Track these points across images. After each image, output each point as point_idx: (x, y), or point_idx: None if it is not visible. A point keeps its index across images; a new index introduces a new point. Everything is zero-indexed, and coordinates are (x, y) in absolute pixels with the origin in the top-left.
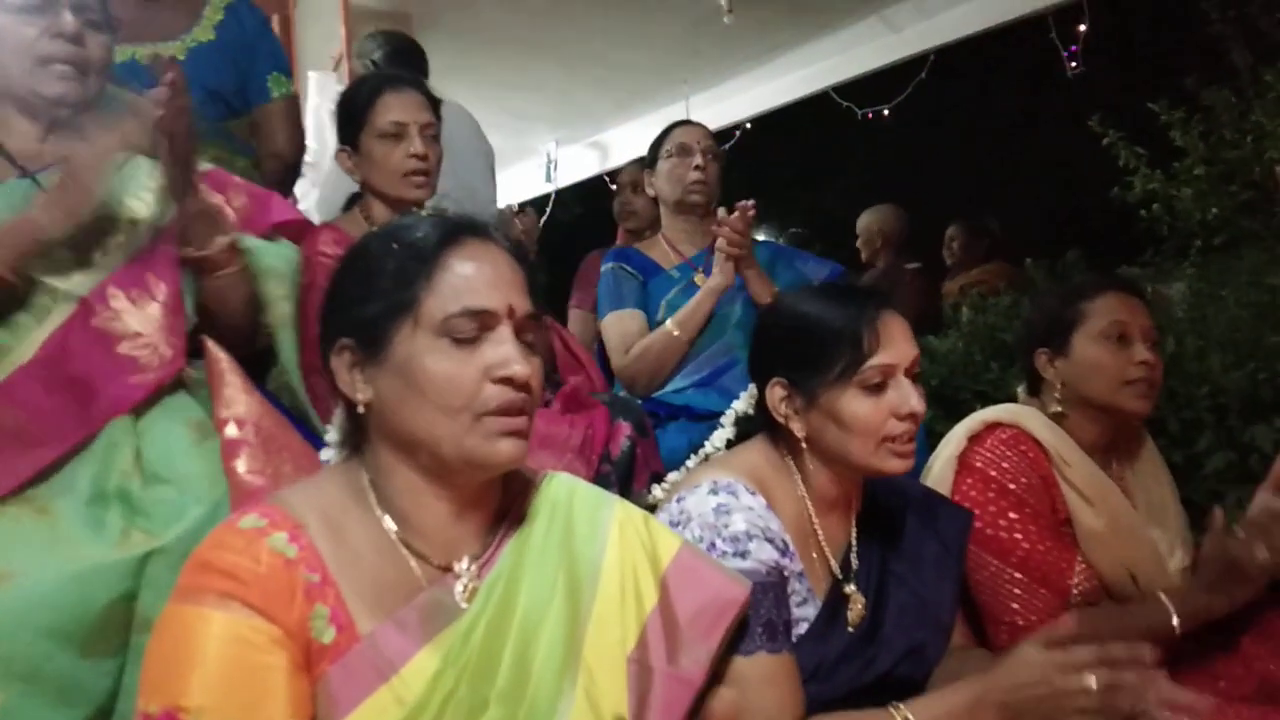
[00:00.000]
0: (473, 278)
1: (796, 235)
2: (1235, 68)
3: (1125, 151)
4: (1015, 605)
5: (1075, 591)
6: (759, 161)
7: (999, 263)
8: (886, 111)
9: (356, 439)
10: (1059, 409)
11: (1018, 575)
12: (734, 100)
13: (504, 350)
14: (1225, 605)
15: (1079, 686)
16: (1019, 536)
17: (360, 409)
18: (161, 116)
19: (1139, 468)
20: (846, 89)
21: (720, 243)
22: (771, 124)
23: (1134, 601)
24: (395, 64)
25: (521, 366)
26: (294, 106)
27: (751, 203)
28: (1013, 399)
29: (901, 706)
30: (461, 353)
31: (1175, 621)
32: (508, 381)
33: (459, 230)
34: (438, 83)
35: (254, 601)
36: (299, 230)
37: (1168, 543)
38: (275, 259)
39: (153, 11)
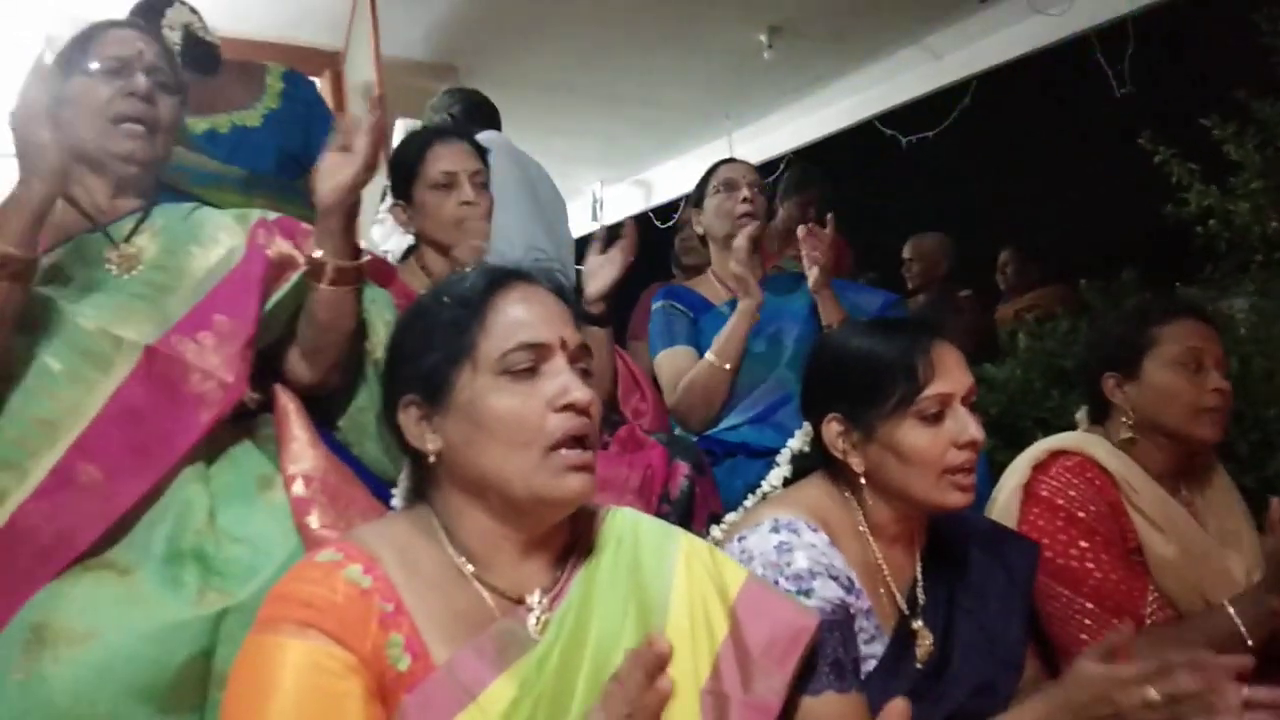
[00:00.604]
0: (523, 316)
1: (871, 280)
2: None
3: (1178, 168)
4: (1086, 637)
5: (1149, 621)
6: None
7: (1053, 286)
8: (931, 137)
9: (422, 488)
10: (1129, 435)
11: (1089, 605)
12: (777, 134)
13: (562, 379)
14: None
15: (1142, 700)
16: (1090, 565)
17: (431, 459)
18: (373, 131)
19: (1209, 494)
20: (890, 117)
21: (738, 267)
22: (815, 156)
23: (1197, 618)
24: (471, 119)
25: (581, 392)
26: None
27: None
28: (1074, 426)
29: None
30: (522, 387)
31: (1243, 628)
32: (570, 408)
33: (504, 275)
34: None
35: (330, 630)
36: (383, 272)
37: (1244, 569)
38: (377, 292)
39: (219, 86)
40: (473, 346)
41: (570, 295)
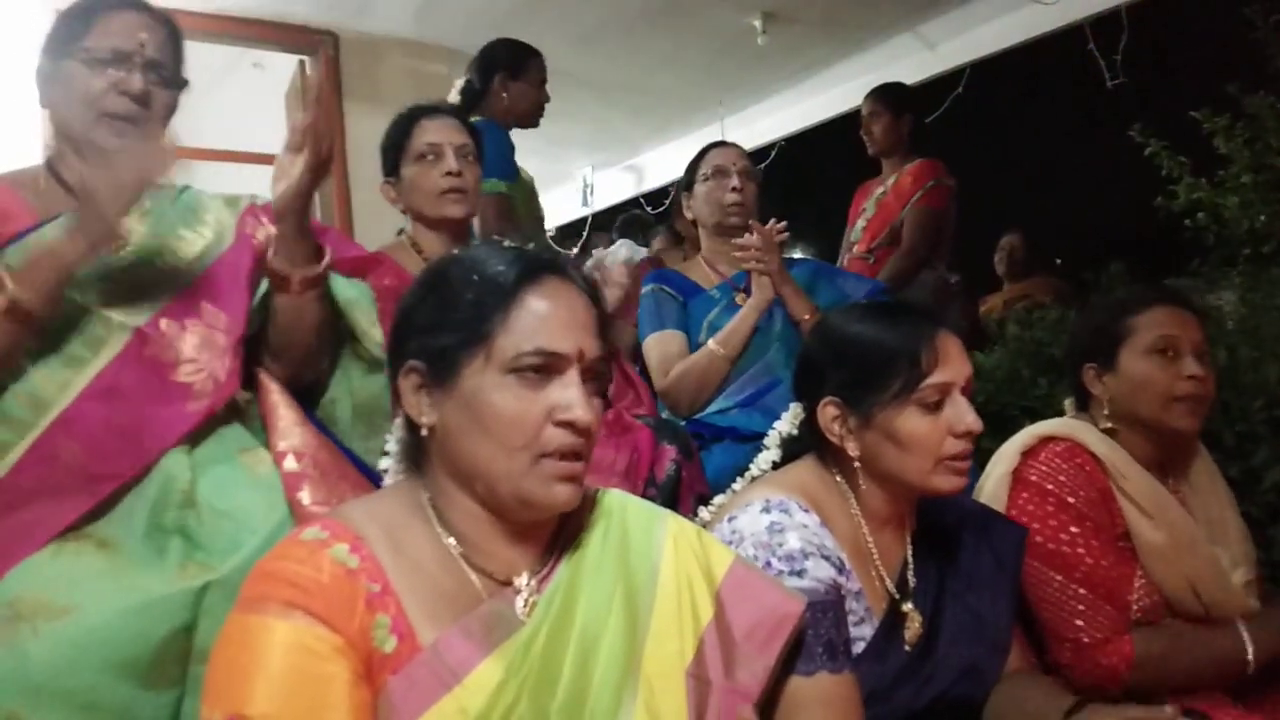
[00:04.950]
0: (548, 318)
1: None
2: (1278, 73)
3: (1168, 160)
4: (1080, 622)
5: (1136, 607)
6: (795, 180)
7: (1043, 276)
8: (926, 123)
9: (416, 457)
10: (1108, 425)
11: (1082, 591)
12: (769, 120)
13: (570, 394)
14: None
15: None
16: (1082, 551)
17: (424, 431)
18: (315, 132)
19: (1196, 483)
20: None
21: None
22: (807, 142)
23: (1197, 619)
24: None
25: (584, 412)
26: (503, 201)
27: (779, 224)
28: (1062, 415)
29: None
30: (528, 392)
31: (1250, 655)
32: (569, 425)
33: (539, 267)
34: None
35: (316, 610)
36: (364, 263)
37: (1230, 558)
38: (353, 290)
39: None
40: (489, 337)
41: (600, 298)
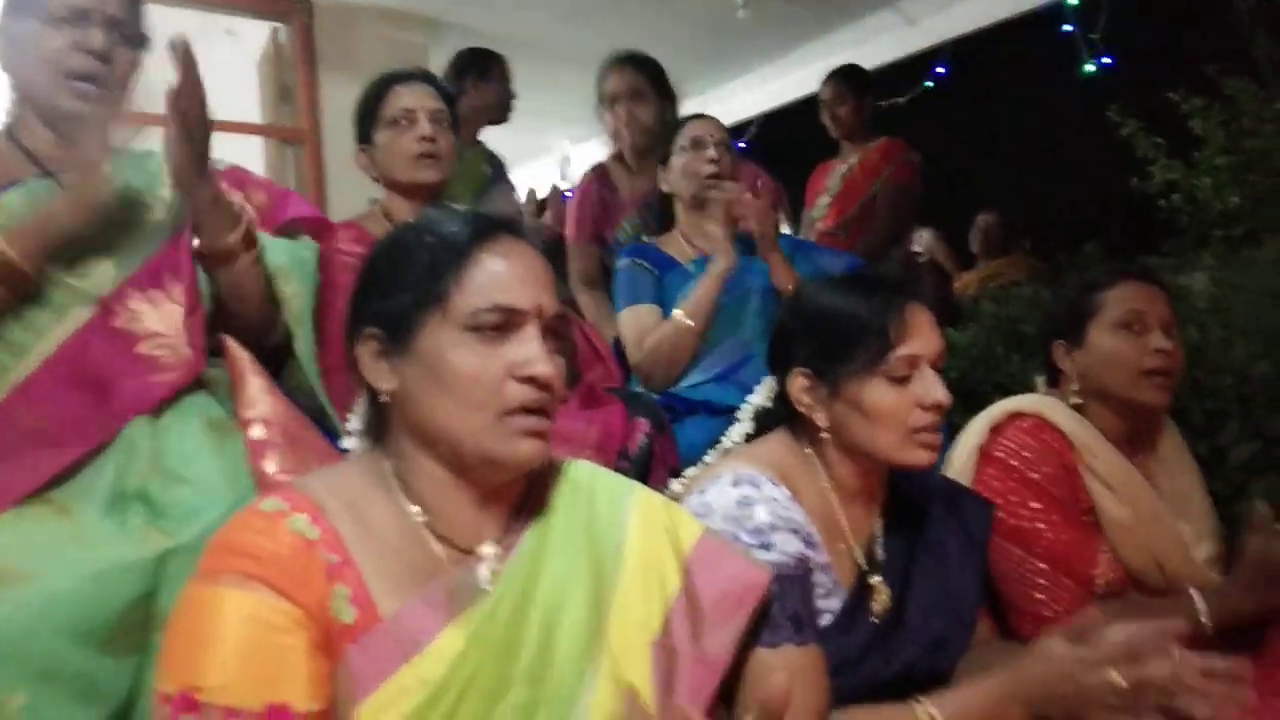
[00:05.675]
0: (504, 274)
1: None
2: (1256, 56)
3: (1143, 141)
4: (1040, 596)
5: (1100, 582)
6: (773, 156)
7: (1017, 255)
8: (903, 103)
9: (379, 429)
10: (1077, 401)
11: (1042, 566)
12: (748, 95)
13: (529, 349)
14: (1259, 607)
15: (1105, 682)
16: (1042, 526)
17: (383, 398)
18: (175, 96)
19: (1163, 458)
20: None
21: (718, 226)
22: (786, 118)
23: (1161, 593)
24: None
25: (545, 366)
26: None
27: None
28: (1034, 391)
29: (925, 700)
30: (486, 348)
31: (1207, 620)
32: (530, 381)
33: (493, 226)
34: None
35: (274, 581)
36: (319, 227)
37: (1194, 533)
38: (283, 256)
39: None
40: (445, 296)
41: (556, 256)
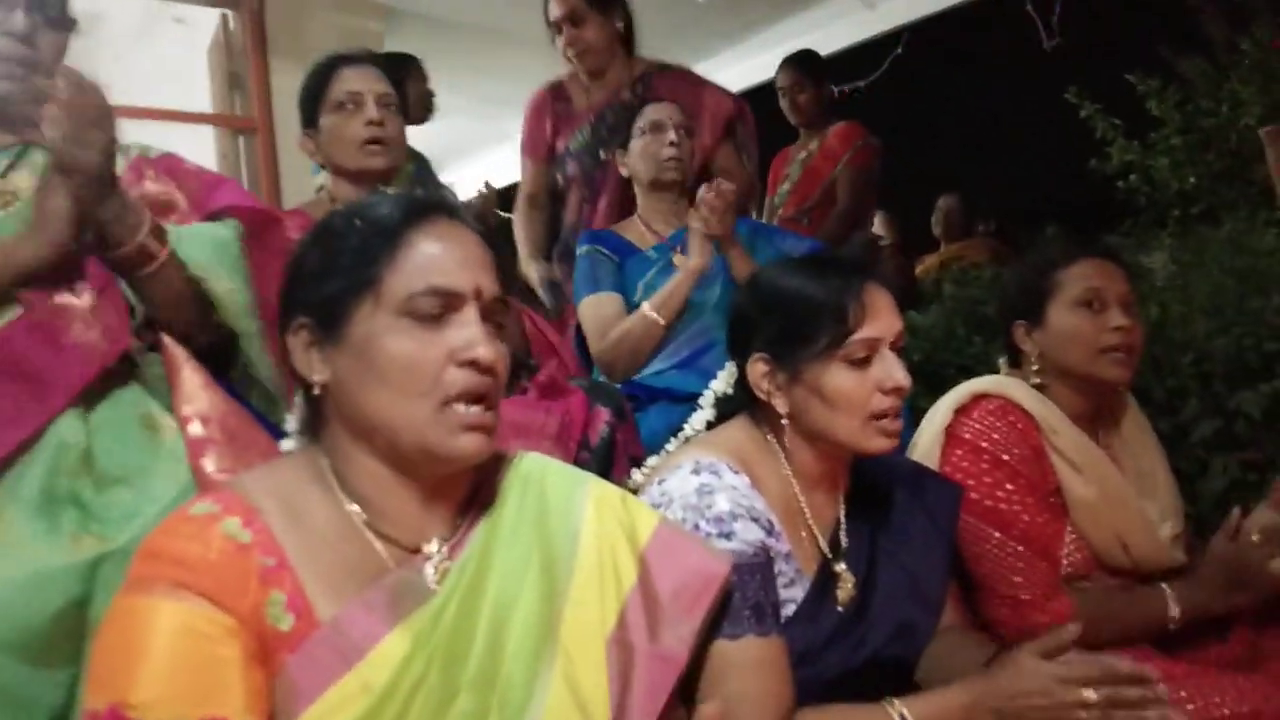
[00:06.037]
0: (439, 256)
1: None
2: (1210, 36)
3: (1101, 123)
4: (1019, 579)
5: (1065, 563)
6: None
7: (979, 238)
8: (863, 87)
9: (314, 424)
10: (1039, 381)
11: (1020, 548)
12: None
13: (469, 332)
14: (1225, 607)
15: (1078, 699)
16: (1019, 508)
17: (317, 391)
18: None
19: (1126, 436)
20: None
21: (696, 222)
22: (748, 102)
23: (1126, 574)
24: None
25: (487, 350)
26: None
27: (730, 186)
28: (996, 373)
29: (897, 703)
30: (424, 334)
31: (1175, 614)
32: (472, 365)
33: (426, 208)
34: None
35: (205, 590)
36: (257, 218)
37: (1158, 511)
38: (204, 250)
39: None
40: (378, 280)
41: (495, 240)
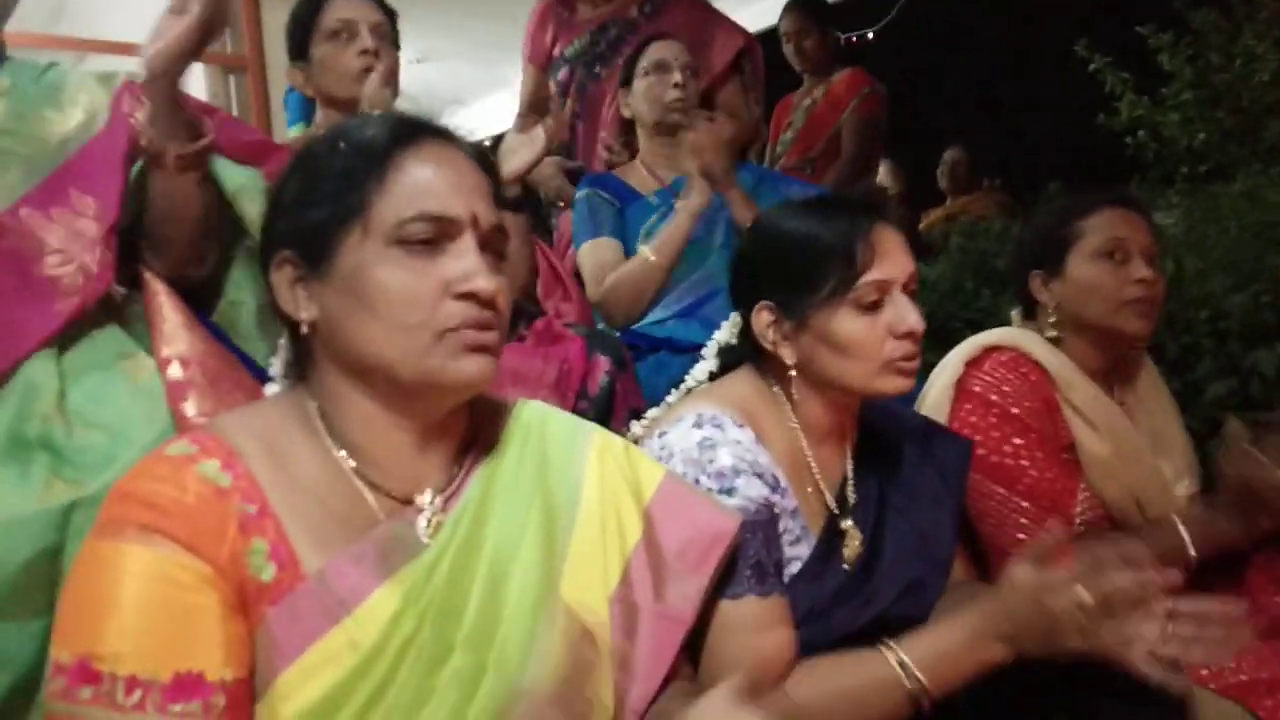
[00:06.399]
0: (431, 180)
1: None
2: None
3: (1111, 77)
4: (1023, 536)
5: (1078, 520)
6: None
7: (987, 191)
8: (871, 36)
9: (302, 366)
10: (1055, 334)
11: (1024, 504)
12: None
13: (467, 262)
14: (1242, 533)
15: (1072, 602)
16: (1025, 463)
17: (304, 329)
18: None
19: (1140, 394)
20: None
21: (691, 162)
22: None
23: (1142, 529)
24: None
25: (487, 280)
26: None
27: (718, 121)
28: (1006, 325)
29: (894, 645)
30: (418, 263)
31: (1189, 547)
32: (471, 298)
33: (415, 129)
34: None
35: (180, 535)
36: (260, 150)
37: (1173, 469)
38: (245, 177)
39: None
40: (366, 207)
41: (492, 165)
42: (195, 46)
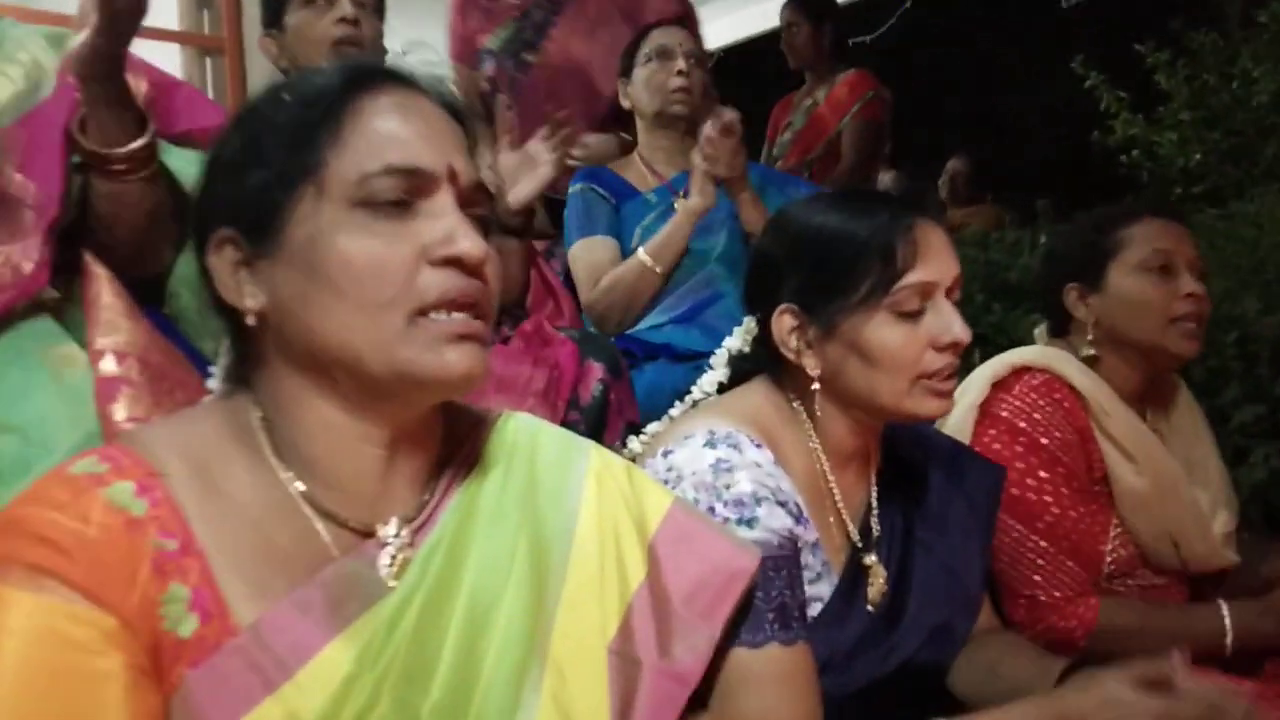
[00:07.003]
0: (396, 128)
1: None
2: (1224, 11)
3: (1107, 95)
4: (1038, 578)
5: (1109, 560)
6: (734, 92)
7: (987, 204)
8: (869, 41)
9: (245, 368)
10: (1091, 352)
11: (1043, 544)
12: (713, 27)
13: (445, 223)
14: None
15: None
16: (1049, 499)
17: (250, 320)
18: None
19: (1175, 419)
20: None
21: (699, 160)
22: (748, 52)
23: (1174, 573)
24: None
25: (471, 242)
26: None
27: (735, 115)
28: (1018, 343)
29: None
30: (387, 226)
31: (1229, 641)
32: (454, 263)
33: (373, 74)
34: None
35: (77, 579)
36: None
37: (1209, 501)
38: (181, 160)
39: None
40: (319, 164)
41: (468, 117)
42: (109, 42)
